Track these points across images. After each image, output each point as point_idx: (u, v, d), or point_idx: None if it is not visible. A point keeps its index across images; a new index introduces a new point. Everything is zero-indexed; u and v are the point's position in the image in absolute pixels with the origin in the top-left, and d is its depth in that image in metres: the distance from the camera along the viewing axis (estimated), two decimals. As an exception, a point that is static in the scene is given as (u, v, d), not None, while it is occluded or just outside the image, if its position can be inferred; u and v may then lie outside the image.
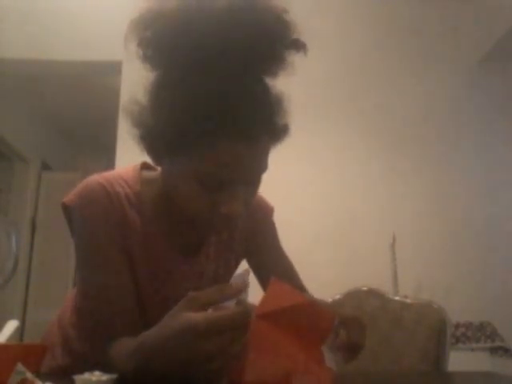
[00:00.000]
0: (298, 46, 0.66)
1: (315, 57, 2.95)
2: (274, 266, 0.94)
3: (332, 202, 2.70)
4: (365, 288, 1.31)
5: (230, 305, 0.53)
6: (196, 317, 0.51)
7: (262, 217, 0.93)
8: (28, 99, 4.15)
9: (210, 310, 0.54)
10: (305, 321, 0.52)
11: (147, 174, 0.82)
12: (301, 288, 0.93)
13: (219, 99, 0.61)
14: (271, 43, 0.64)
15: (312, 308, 0.52)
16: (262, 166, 0.69)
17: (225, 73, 0.61)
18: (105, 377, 0.54)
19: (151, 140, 0.70)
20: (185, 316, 0.52)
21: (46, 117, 4.53)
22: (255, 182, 0.70)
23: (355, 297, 1.30)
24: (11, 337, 0.77)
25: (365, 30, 2.97)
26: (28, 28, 2.88)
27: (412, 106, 2.87)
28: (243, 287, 0.53)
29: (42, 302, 3.99)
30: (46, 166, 4.55)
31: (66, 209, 0.76)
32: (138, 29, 0.65)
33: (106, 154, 3.52)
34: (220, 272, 0.86)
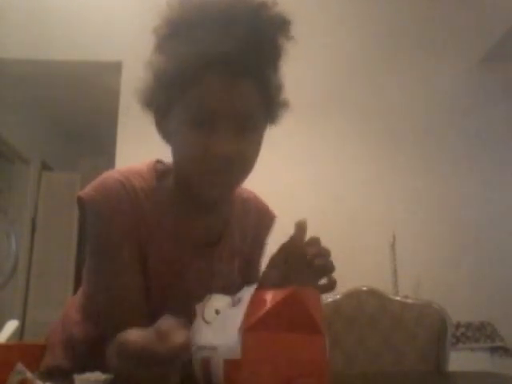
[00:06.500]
0: (286, 30, 0.71)
1: (315, 56, 2.95)
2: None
3: (332, 202, 2.70)
4: (365, 288, 1.31)
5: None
6: (130, 338, 0.53)
7: (263, 229, 0.96)
8: (28, 99, 4.14)
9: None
10: (294, 310, 0.51)
11: (161, 166, 0.83)
12: None
13: (207, 40, 0.66)
14: (264, 31, 0.69)
15: (295, 294, 0.51)
16: (248, 109, 0.70)
17: (219, 29, 0.67)
18: (104, 377, 0.54)
19: (155, 104, 0.75)
20: (128, 334, 0.54)
21: (45, 117, 4.52)
22: (245, 125, 0.71)
23: (355, 297, 1.30)
24: (11, 337, 0.77)
25: (365, 30, 2.97)
26: (28, 28, 2.88)
27: (412, 105, 2.87)
28: (187, 346, 0.52)
29: (42, 302, 3.98)
30: (46, 166, 4.54)
31: (81, 202, 0.76)
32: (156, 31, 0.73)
33: (105, 154, 3.51)
34: (225, 272, 0.86)
